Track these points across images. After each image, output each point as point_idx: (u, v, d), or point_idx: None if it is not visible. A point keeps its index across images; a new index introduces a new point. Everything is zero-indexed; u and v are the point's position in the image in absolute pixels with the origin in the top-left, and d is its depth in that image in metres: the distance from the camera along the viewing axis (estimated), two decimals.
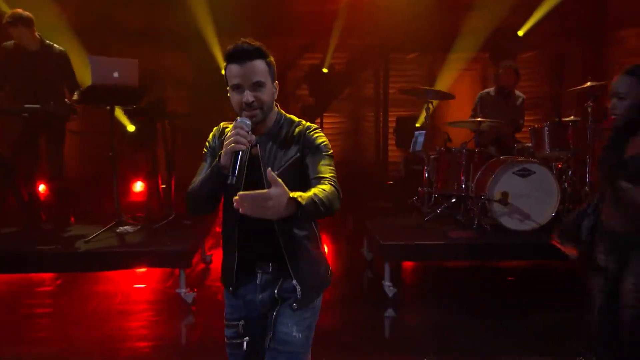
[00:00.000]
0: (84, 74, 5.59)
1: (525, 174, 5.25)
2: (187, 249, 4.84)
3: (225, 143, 2.01)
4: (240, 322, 2.29)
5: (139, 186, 8.01)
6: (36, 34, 5.28)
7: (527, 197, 5.23)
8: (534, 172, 5.25)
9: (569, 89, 6.07)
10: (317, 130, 2.24)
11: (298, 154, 2.17)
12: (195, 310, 4.72)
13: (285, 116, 2.27)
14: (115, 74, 4.96)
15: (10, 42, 5.30)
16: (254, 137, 2.08)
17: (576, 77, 8.06)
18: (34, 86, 5.26)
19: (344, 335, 4.18)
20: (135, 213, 5.98)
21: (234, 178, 1.96)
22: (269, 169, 1.87)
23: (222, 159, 2.01)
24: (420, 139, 6.07)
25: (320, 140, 2.20)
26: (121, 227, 5.26)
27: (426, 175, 5.99)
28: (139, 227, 5.35)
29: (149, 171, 6.59)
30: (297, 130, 2.22)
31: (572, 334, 4.06)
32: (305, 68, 9.14)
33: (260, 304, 2.25)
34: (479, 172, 5.52)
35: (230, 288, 2.30)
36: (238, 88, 2.10)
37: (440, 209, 5.72)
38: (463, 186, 5.60)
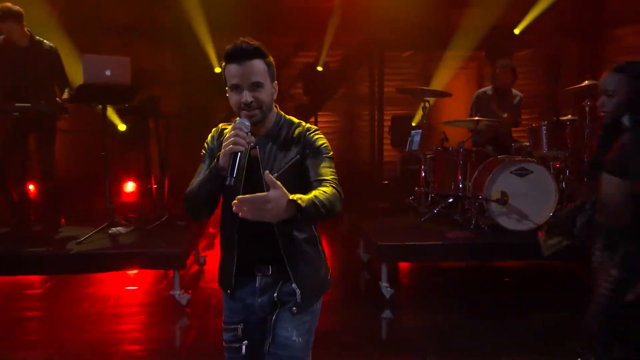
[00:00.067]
0: (74, 72, 5.52)
1: (522, 173, 5.21)
2: (181, 250, 4.78)
3: (223, 144, 1.98)
4: (239, 326, 2.26)
5: (130, 186, 7.93)
6: (26, 29, 5.18)
7: (525, 197, 5.19)
8: (532, 172, 5.21)
9: (566, 87, 6.04)
10: (317, 132, 2.22)
11: (298, 156, 2.14)
12: (189, 313, 4.66)
13: (284, 117, 2.24)
14: (108, 72, 4.89)
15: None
16: (253, 138, 2.04)
17: (573, 75, 8.06)
18: (24, 83, 5.16)
19: (342, 337, 4.13)
20: (127, 214, 5.89)
21: (233, 179, 1.93)
22: (267, 171, 1.85)
23: (220, 160, 1.98)
24: (417, 138, 6.03)
25: (320, 142, 2.17)
26: (113, 228, 5.17)
27: (423, 174, 5.94)
28: (131, 228, 5.27)
29: (141, 171, 6.51)
30: (296, 131, 2.19)
31: (571, 334, 3.97)
32: (300, 66, 9.05)
33: (260, 307, 2.22)
34: (476, 172, 5.47)
35: (229, 291, 2.27)
36: (237, 88, 2.07)
37: (437, 209, 5.67)
38: (460, 186, 5.55)
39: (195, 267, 5.75)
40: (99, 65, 4.91)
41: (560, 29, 8.68)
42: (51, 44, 5.33)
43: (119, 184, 7.62)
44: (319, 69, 8.85)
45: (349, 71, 9.33)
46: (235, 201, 1.76)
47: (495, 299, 4.95)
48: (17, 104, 5.00)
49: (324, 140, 2.19)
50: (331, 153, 2.18)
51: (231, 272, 2.23)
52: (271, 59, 2.14)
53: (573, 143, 5.40)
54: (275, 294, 2.20)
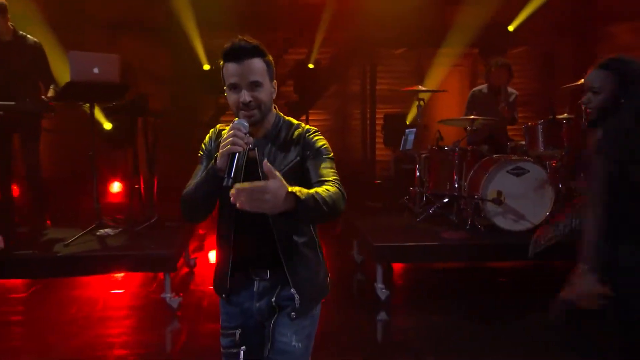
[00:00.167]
0: (58, 69, 5.38)
1: (519, 172, 5.16)
2: (172, 252, 4.69)
3: (221, 145, 1.92)
4: (237, 331, 2.23)
5: (116, 186, 7.81)
6: (9, 24, 5.02)
7: (521, 197, 5.14)
8: (528, 171, 5.16)
9: (561, 85, 6.00)
10: (316, 133, 2.18)
11: (298, 158, 2.10)
12: (180, 316, 4.57)
13: (284, 118, 2.20)
14: (96, 70, 4.77)
15: None
16: (251, 139, 1.98)
17: (567, 73, 8.05)
18: (7, 80, 5.00)
19: (339, 339, 4.07)
20: (115, 215, 5.77)
21: (230, 180, 1.85)
22: (265, 160, 1.80)
23: (218, 161, 1.92)
24: (411, 137, 5.96)
25: (320, 143, 2.13)
26: (101, 230, 5.06)
27: (418, 174, 5.87)
28: (119, 229, 5.15)
29: (128, 171, 6.38)
30: (296, 133, 2.15)
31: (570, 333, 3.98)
32: (290, 63, 8.96)
33: (258, 312, 2.19)
34: (472, 171, 5.42)
35: (224, 295, 2.24)
36: (235, 88, 2.03)
37: (432, 209, 5.60)
38: (456, 185, 5.48)
39: (185, 270, 5.65)
40: (86, 62, 4.79)
41: (554, 27, 8.67)
42: (35, 39, 5.19)
43: (105, 184, 7.49)
44: (310, 66, 8.76)
45: (340, 69, 9.26)
46: (232, 190, 1.70)
47: (492, 299, 4.90)
48: (0, 102, 4.85)
49: (324, 142, 2.15)
50: (332, 154, 2.14)
51: (226, 276, 2.19)
52: (270, 57, 2.10)
53: (569, 142, 5.35)
54: (273, 299, 2.16)
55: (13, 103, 4.87)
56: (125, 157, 7.84)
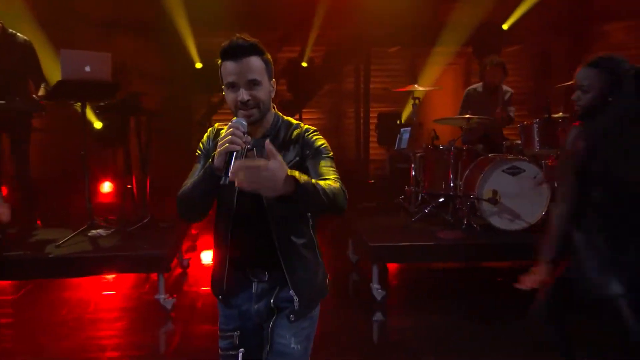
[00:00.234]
0: (48, 67, 5.30)
1: (514, 172, 5.15)
2: (166, 252, 4.65)
3: (219, 144, 1.90)
4: (236, 333, 2.22)
5: (107, 186, 7.72)
6: None
7: (517, 196, 5.12)
8: (524, 170, 5.15)
9: (556, 84, 5.99)
10: (315, 133, 2.16)
11: (297, 158, 2.09)
12: (173, 317, 4.53)
13: (282, 118, 2.18)
14: (87, 69, 4.68)
15: None
16: (249, 138, 1.95)
17: (562, 72, 8.03)
18: None
19: (335, 340, 4.04)
20: (106, 215, 5.69)
21: (227, 179, 1.82)
22: (268, 140, 1.77)
23: (215, 161, 1.90)
24: (406, 136, 5.94)
25: (319, 143, 2.12)
26: (93, 231, 4.99)
27: (413, 173, 5.83)
28: (112, 230, 5.08)
29: (119, 170, 6.31)
30: (295, 132, 2.13)
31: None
32: (283, 62, 8.89)
33: (256, 314, 2.18)
34: (467, 171, 5.40)
35: (220, 297, 2.24)
36: (233, 86, 2.01)
37: (428, 209, 5.57)
38: (451, 185, 5.46)
39: (179, 271, 5.58)
40: (78, 61, 4.70)
41: (549, 26, 8.67)
42: (25, 37, 5.11)
43: (95, 183, 7.41)
44: (304, 64, 8.69)
45: (334, 67, 9.21)
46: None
47: (491, 299, 4.87)
48: None
49: (323, 141, 2.14)
50: (331, 153, 2.13)
51: (222, 276, 2.17)
52: (269, 56, 2.09)
53: (565, 141, 5.33)
54: (272, 300, 2.14)
55: (3, 102, 4.80)
56: (115, 157, 7.77)
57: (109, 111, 5.60)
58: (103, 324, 4.41)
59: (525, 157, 5.28)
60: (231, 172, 1.74)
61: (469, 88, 6.28)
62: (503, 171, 5.14)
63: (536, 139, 5.31)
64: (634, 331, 2.59)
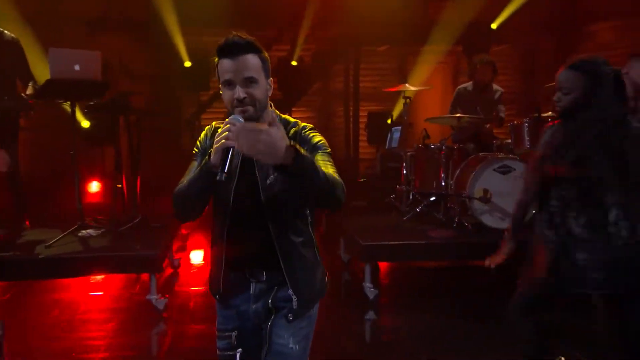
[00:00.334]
0: (35, 66, 5.24)
1: (505, 170, 5.18)
2: (157, 252, 4.61)
3: (215, 140, 1.87)
4: (233, 333, 2.20)
5: (95, 186, 7.66)
6: None
7: (508, 195, 5.12)
8: (514, 169, 5.18)
9: (545, 83, 6.01)
10: (313, 130, 2.16)
11: None
12: (165, 318, 4.50)
13: (280, 116, 2.16)
14: (77, 67, 4.64)
15: None
16: None
17: (550, 71, 8.03)
18: None
19: (330, 340, 4.02)
20: (95, 215, 5.64)
21: (224, 175, 1.81)
22: (272, 110, 1.82)
23: (212, 158, 1.87)
24: (396, 135, 5.96)
25: (317, 139, 2.11)
26: (83, 231, 4.95)
27: (404, 172, 5.85)
28: (102, 230, 5.04)
29: (107, 170, 6.26)
30: (292, 131, 2.12)
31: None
32: (273, 60, 8.83)
33: (254, 314, 2.16)
34: (458, 170, 5.43)
35: (218, 297, 2.22)
36: (230, 84, 1.99)
37: (419, 208, 5.58)
38: (443, 184, 5.48)
39: (169, 271, 5.55)
40: (67, 59, 4.67)
41: (537, 25, 8.72)
42: (13, 35, 5.05)
43: (84, 183, 7.34)
44: (294, 63, 8.67)
45: (324, 66, 9.20)
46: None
47: (484, 297, 4.86)
48: None
49: (321, 137, 2.13)
50: (329, 149, 2.12)
51: (219, 277, 2.15)
52: (266, 54, 2.07)
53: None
54: (270, 301, 2.13)
55: None
56: (103, 156, 7.70)
57: (99, 110, 5.55)
58: (95, 325, 4.37)
59: (515, 156, 5.30)
60: (231, 134, 1.75)
61: (459, 87, 6.31)
62: (494, 170, 5.17)
63: (526, 138, 5.34)
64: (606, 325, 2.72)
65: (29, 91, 5.00)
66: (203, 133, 2.22)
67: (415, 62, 8.81)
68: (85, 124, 6.47)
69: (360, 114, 9.14)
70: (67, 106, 4.97)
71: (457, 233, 5.14)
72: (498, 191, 5.14)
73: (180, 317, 4.50)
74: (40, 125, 6.75)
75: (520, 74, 9.35)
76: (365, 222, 5.69)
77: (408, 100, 5.83)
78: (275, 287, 2.12)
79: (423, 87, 6.30)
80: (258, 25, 8.26)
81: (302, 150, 1.74)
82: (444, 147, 5.48)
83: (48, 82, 4.65)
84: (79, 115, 6.19)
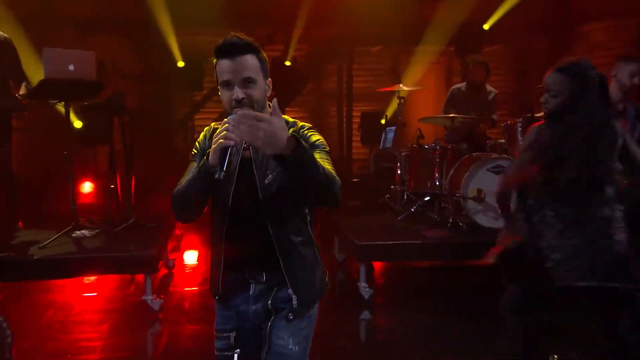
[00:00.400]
0: (27, 66, 5.21)
1: (499, 170, 5.19)
2: (153, 253, 4.59)
3: (213, 141, 1.87)
4: (232, 334, 2.20)
5: (87, 186, 7.63)
6: None
7: None
8: None
9: (536, 84, 6.03)
10: (311, 129, 2.16)
11: None
12: (160, 319, 4.49)
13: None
14: (71, 67, 4.62)
15: None
16: None
17: (542, 71, 8.05)
18: None
19: (325, 340, 3.98)
20: (89, 215, 5.61)
21: (222, 173, 1.81)
22: (275, 99, 1.78)
23: (210, 158, 1.87)
24: (390, 135, 5.97)
25: (315, 138, 2.11)
26: (77, 231, 4.91)
27: (399, 172, 5.86)
28: (96, 231, 5.02)
29: (100, 170, 6.23)
30: (291, 130, 2.08)
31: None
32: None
33: (254, 315, 2.16)
34: (452, 170, 5.45)
35: (217, 297, 2.21)
36: (228, 85, 1.99)
37: (414, 208, 5.59)
38: (437, 184, 5.50)
39: (164, 271, 5.53)
40: (61, 59, 4.64)
41: (529, 26, 8.75)
42: (5, 35, 5.01)
43: (76, 184, 7.30)
44: (287, 63, 8.66)
45: (317, 66, 9.20)
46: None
47: (479, 297, 4.81)
48: None
49: (319, 136, 2.13)
50: (327, 148, 2.12)
51: (218, 276, 2.15)
52: (264, 54, 2.08)
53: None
54: (269, 301, 2.13)
55: None
56: (96, 156, 7.66)
57: (93, 110, 5.53)
58: (89, 326, 4.35)
59: (509, 156, 5.32)
60: (231, 122, 1.76)
61: (453, 87, 6.33)
62: (487, 170, 5.19)
63: (520, 138, 5.34)
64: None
65: (22, 91, 4.97)
66: (202, 134, 2.21)
67: (408, 62, 8.82)
68: (78, 124, 6.43)
69: (353, 114, 9.18)
70: (60, 106, 4.95)
71: (452, 233, 5.16)
72: (492, 191, 5.07)
73: (175, 318, 4.49)
74: (34, 125, 6.71)
75: (513, 75, 9.38)
76: (360, 222, 5.70)
77: (402, 100, 5.84)
78: (275, 288, 2.12)
79: (417, 88, 6.31)
80: (251, 25, 8.21)
81: (303, 142, 1.75)
82: (438, 147, 5.50)
83: (42, 82, 4.63)
84: (71, 116, 6.15)
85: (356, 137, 9.02)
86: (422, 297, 4.96)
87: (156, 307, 4.51)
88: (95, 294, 5.03)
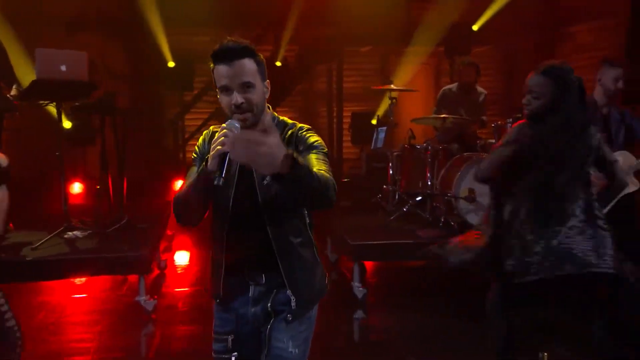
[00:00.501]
0: (17, 68, 5.17)
1: None
2: (146, 253, 4.58)
3: (212, 147, 1.88)
4: (229, 337, 2.18)
5: (77, 187, 7.58)
6: None
7: None
8: None
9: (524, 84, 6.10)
10: (310, 130, 2.14)
11: None
12: (153, 319, 4.49)
13: (278, 118, 2.16)
14: (63, 68, 4.59)
15: None
16: None
17: (530, 72, 8.17)
18: None
19: (321, 340, 3.99)
20: (80, 216, 5.58)
21: (221, 179, 1.81)
22: (269, 116, 1.81)
23: (209, 164, 1.87)
24: (382, 135, 6.00)
25: (313, 139, 2.09)
26: (70, 232, 4.89)
27: (391, 172, 5.89)
28: (88, 231, 4.99)
29: (91, 170, 6.19)
30: (289, 132, 2.11)
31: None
32: None
33: (253, 317, 2.15)
34: (444, 170, 5.49)
35: (217, 300, 2.20)
36: (226, 90, 1.98)
37: (406, 208, 5.62)
38: (429, 183, 5.53)
39: (156, 272, 5.51)
40: (53, 60, 4.62)
41: (517, 27, 8.81)
42: None
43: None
44: (278, 64, 8.65)
45: (307, 66, 9.19)
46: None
47: (478, 297, 4.87)
48: None
49: (318, 138, 2.11)
50: (325, 149, 2.09)
51: (219, 279, 2.14)
52: (262, 57, 2.05)
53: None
54: (269, 304, 2.12)
55: None
56: (85, 157, 7.61)
57: (84, 111, 5.50)
58: (82, 327, 4.35)
59: None
60: (229, 144, 1.74)
61: (444, 88, 6.37)
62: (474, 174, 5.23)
63: None
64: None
65: (13, 92, 4.93)
66: (201, 138, 2.21)
67: (397, 63, 8.86)
68: (67, 124, 6.39)
69: (344, 114, 9.20)
70: (51, 107, 4.92)
71: (444, 232, 5.17)
72: (483, 191, 5.12)
73: (168, 318, 4.49)
74: (24, 126, 6.65)
75: (502, 75, 9.45)
76: (353, 222, 5.72)
77: (394, 100, 5.87)
78: (275, 290, 2.11)
79: (409, 89, 6.34)
80: (242, 25, 8.26)
81: (300, 159, 1.72)
82: (430, 148, 5.53)
83: (34, 82, 4.61)
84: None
85: (346, 137, 9.05)
86: (415, 297, 4.99)
87: (150, 307, 4.50)
88: (83, 295, 5.02)
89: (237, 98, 1.95)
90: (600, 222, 2.87)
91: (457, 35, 8.13)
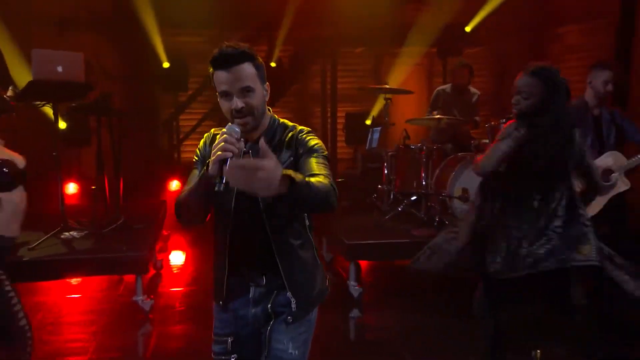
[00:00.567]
0: (10, 67, 5.17)
1: None
2: (143, 254, 4.60)
3: (212, 152, 1.88)
4: (229, 338, 2.20)
5: (72, 187, 7.57)
6: None
7: None
8: None
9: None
10: (310, 133, 2.15)
11: (292, 158, 2.08)
12: (150, 319, 4.51)
13: (278, 121, 2.17)
14: (59, 69, 4.60)
15: None
16: (243, 144, 1.92)
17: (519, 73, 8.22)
18: None
19: (318, 341, 4.02)
20: (77, 217, 5.57)
21: (222, 185, 1.83)
22: (262, 139, 1.78)
23: (210, 169, 1.87)
24: (376, 136, 6.03)
25: (313, 142, 2.10)
26: (66, 233, 4.89)
27: (386, 172, 5.92)
28: (85, 232, 4.99)
29: (86, 171, 6.18)
30: (290, 134, 2.12)
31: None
32: None
33: (253, 319, 2.17)
34: (438, 169, 5.53)
35: (220, 302, 2.20)
36: (226, 95, 1.99)
37: (401, 207, 5.66)
38: (423, 183, 5.57)
39: (153, 272, 5.51)
40: (50, 60, 4.62)
41: (508, 28, 8.86)
42: None
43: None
44: (272, 64, 8.67)
45: (301, 67, 9.22)
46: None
47: (468, 296, 4.92)
48: None
49: (318, 140, 2.12)
50: (325, 152, 2.11)
51: (222, 282, 2.16)
52: (260, 60, 2.06)
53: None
54: (269, 305, 2.14)
55: None
56: (80, 157, 7.59)
57: (80, 112, 5.51)
58: (79, 327, 4.36)
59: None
60: (226, 172, 1.75)
61: (438, 88, 6.41)
62: (473, 169, 5.27)
63: None
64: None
65: (10, 93, 4.93)
66: (202, 141, 2.22)
67: (391, 64, 8.90)
68: (62, 125, 6.37)
69: (338, 114, 9.23)
70: (47, 108, 4.92)
71: (439, 231, 5.20)
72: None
73: (165, 318, 4.51)
74: (20, 127, 6.63)
75: (494, 76, 9.50)
76: (348, 221, 5.73)
77: (389, 100, 5.90)
78: (275, 292, 2.13)
79: (404, 91, 6.37)
80: (236, 26, 8.28)
81: (297, 176, 1.73)
82: (424, 148, 5.58)
83: (30, 83, 4.60)
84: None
85: (341, 138, 9.08)
86: (411, 296, 5.02)
87: (147, 307, 4.53)
88: (78, 295, 5.02)
89: (237, 103, 1.96)
90: (583, 219, 2.94)
91: (450, 37, 8.17)
